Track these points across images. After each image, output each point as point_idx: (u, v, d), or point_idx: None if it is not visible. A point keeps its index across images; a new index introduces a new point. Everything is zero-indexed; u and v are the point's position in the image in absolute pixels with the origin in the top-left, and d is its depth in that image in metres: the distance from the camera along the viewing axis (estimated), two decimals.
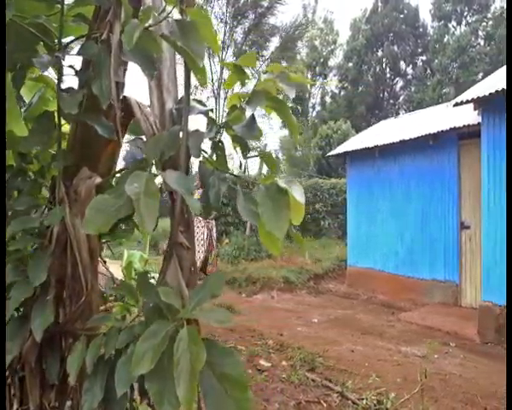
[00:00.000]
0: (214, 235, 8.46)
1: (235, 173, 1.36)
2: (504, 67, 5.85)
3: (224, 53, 10.55)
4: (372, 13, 28.95)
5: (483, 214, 5.16)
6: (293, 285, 8.30)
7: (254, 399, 2.25)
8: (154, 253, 12.27)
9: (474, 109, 4.97)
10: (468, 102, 4.83)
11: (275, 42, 10.68)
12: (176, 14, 1.15)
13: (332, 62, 30.84)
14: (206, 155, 1.33)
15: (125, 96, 1.45)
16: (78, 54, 1.21)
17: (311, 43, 29.29)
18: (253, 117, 1.18)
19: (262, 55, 10.77)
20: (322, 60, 29.84)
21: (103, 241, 2.00)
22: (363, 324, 5.94)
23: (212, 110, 1.28)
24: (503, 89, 4.42)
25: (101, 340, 1.15)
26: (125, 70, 1.43)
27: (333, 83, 28.96)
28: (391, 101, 31.11)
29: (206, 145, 1.35)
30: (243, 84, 1.30)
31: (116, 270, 6.34)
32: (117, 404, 1.11)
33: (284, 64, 13.30)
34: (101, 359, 1.13)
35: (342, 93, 30.53)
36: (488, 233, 5.09)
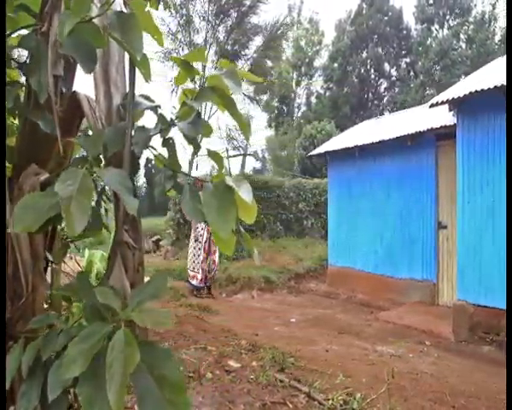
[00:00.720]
0: (214, 239, 8.22)
1: (185, 172, 1.33)
2: (480, 70, 5.94)
3: (206, 52, 10.48)
4: (357, 14, 29.18)
5: (458, 215, 5.22)
6: (274, 285, 8.30)
7: (220, 400, 2.23)
8: None
9: (450, 110, 5.03)
10: (443, 103, 4.88)
11: (258, 41, 10.71)
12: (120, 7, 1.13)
13: (317, 63, 31.04)
14: (156, 153, 1.30)
15: (74, 91, 1.41)
16: (19, 46, 1.17)
17: (297, 43, 29.40)
18: (198, 114, 1.16)
19: (245, 55, 10.78)
20: (307, 60, 29.97)
21: (70, 240, 1.95)
22: (341, 323, 5.97)
23: (159, 106, 1.25)
24: (477, 90, 4.48)
25: (40, 342, 1.11)
26: (75, 64, 1.39)
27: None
28: (375, 102, 31.42)
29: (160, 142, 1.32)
30: (193, 81, 1.27)
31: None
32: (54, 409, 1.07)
33: (270, 64, 13.30)
34: (38, 362, 1.09)
35: (327, 93, 30.72)
36: (463, 233, 5.16)
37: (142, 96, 1.26)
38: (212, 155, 1.27)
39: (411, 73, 28.27)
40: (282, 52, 13.01)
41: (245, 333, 4.16)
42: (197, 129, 1.16)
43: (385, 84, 31.47)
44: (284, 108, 30.08)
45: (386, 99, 31.19)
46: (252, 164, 30.37)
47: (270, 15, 15.10)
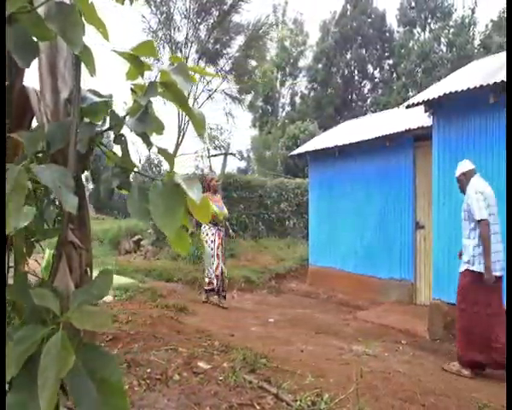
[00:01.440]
0: (224, 245, 6.94)
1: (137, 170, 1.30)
2: (456, 73, 6.03)
3: (187, 50, 10.43)
4: (341, 16, 29.37)
5: (433, 215, 5.29)
6: (255, 285, 8.28)
7: (185, 403, 2.19)
8: (115, 253, 12.01)
9: (425, 112, 5.09)
10: (418, 104, 4.94)
11: (240, 40, 10.65)
12: None
13: (302, 63, 31.13)
14: (105, 150, 1.26)
15: (23, 85, 1.36)
16: None
17: (281, 43, 29.44)
18: (145, 110, 1.12)
19: (227, 54, 10.71)
20: (292, 60, 30.06)
21: (33, 239, 1.89)
22: (320, 323, 5.98)
23: (109, 101, 1.21)
24: (451, 92, 4.54)
25: None
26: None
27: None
28: (359, 103, 31.66)
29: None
30: (142, 76, 1.24)
31: None
32: None
33: (254, 63, 13.24)
34: None
35: (312, 94, 30.84)
36: (438, 233, 5.22)
37: (90, 91, 1.22)
38: (163, 153, 1.24)
39: (394, 75, 28.60)
40: (265, 52, 12.97)
41: (221, 334, 4.13)
42: (144, 125, 1.12)
43: (368, 86, 31.76)
44: (269, 107, 30.10)
45: (369, 100, 31.45)
46: (237, 163, 30.34)
47: (253, 15, 15.15)
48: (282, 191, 12.93)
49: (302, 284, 8.94)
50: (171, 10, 9.95)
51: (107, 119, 1.22)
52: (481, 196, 3.92)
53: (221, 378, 2.52)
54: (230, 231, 7.06)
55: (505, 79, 4.08)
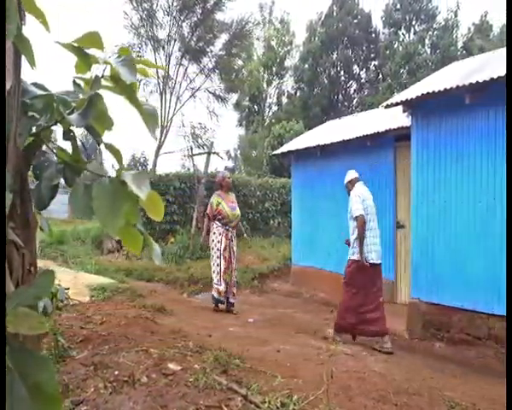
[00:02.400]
0: (234, 247, 6.33)
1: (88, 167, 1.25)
2: (435, 74, 6.08)
3: (170, 48, 10.33)
4: (327, 16, 29.49)
5: (412, 214, 5.32)
6: (237, 284, 8.23)
7: (151, 405, 2.15)
8: (97, 252, 11.84)
9: (403, 112, 5.12)
10: (397, 104, 4.96)
11: (224, 38, 10.59)
12: None
13: (288, 63, 31.18)
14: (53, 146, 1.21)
15: None
16: None
17: (268, 42, 29.46)
18: (88, 104, 1.08)
19: (211, 51, 10.64)
20: (278, 60, 30.07)
21: None
22: (300, 323, 5.98)
23: (53, 95, 1.16)
24: (428, 92, 4.57)
25: None
26: None
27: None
28: (345, 103, 31.83)
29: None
30: (89, 70, 1.19)
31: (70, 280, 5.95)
32: None
33: (240, 62, 13.19)
34: None
35: (298, 94, 30.91)
36: (416, 232, 5.26)
37: (34, 84, 1.17)
38: (111, 149, 1.20)
39: (380, 76, 28.84)
40: (248, 50, 12.96)
41: (198, 334, 4.08)
42: (87, 120, 1.08)
43: (354, 86, 31.95)
44: (255, 107, 30.09)
45: (355, 101, 31.66)
46: (225, 163, 30.22)
47: (239, 13, 15.10)
48: (266, 190, 12.92)
49: (285, 284, 8.93)
50: (154, 7, 9.85)
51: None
52: (359, 198, 4.87)
53: (191, 380, 2.47)
54: (244, 231, 6.62)
55: (480, 80, 4.13)
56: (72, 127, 1.26)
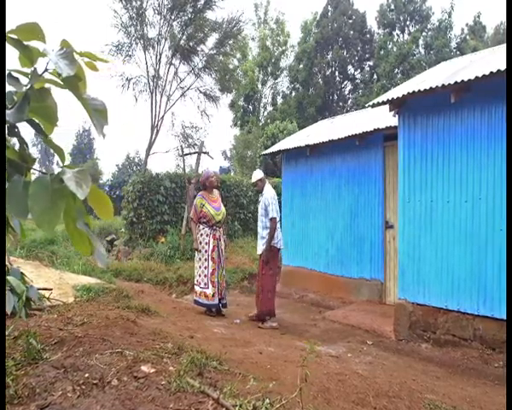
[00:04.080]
0: (222, 246, 6.13)
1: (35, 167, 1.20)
2: (423, 73, 6.05)
3: (161, 47, 10.23)
4: (322, 16, 29.49)
5: (399, 214, 5.29)
6: (226, 285, 8.16)
7: (120, 409, 2.09)
8: None
9: (390, 110, 5.08)
10: (383, 103, 4.92)
11: (215, 37, 10.50)
12: None
13: (283, 63, 31.15)
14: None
15: None
16: None
17: (263, 42, 29.41)
18: (23, 99, 1.03)
19: (201, 51, 10.56)
20: (273, 60, 30.04)
21: None
22: (287, 323, 5.93)
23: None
24: (414, 91, 4.53)
25: None
26: None
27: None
28: (340, 103, 31.85)
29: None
30: (33, 63, 1.13)
31: (56, 280, 5.85)
32: None
33: (230, 61, 13.11)
34: None
35: (293, 94, 30.89)
36: (403, 233, 5.22)
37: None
38: (54, 147, 1.15)
39: (374, 76, 28.86)
40: (242, 50, 12.90)
41: (180, 335, 4.02)
42: (22, 116, 1.03)
43: (349, 86, 31.98)
44: (250, 107, 30.04)
45: (350, 101, 31.68)
46: (219, 163, 30.12)
47: (230, 12, 15.04)
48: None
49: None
50: (144, 5, 9.76)
51: None
52: (275, 201, 5.76)
53: (163, 383, 2.41)
54: (225, 232, 6.46)
55: (465, 79, 4.09)
56: (18, 123, 1.20)
